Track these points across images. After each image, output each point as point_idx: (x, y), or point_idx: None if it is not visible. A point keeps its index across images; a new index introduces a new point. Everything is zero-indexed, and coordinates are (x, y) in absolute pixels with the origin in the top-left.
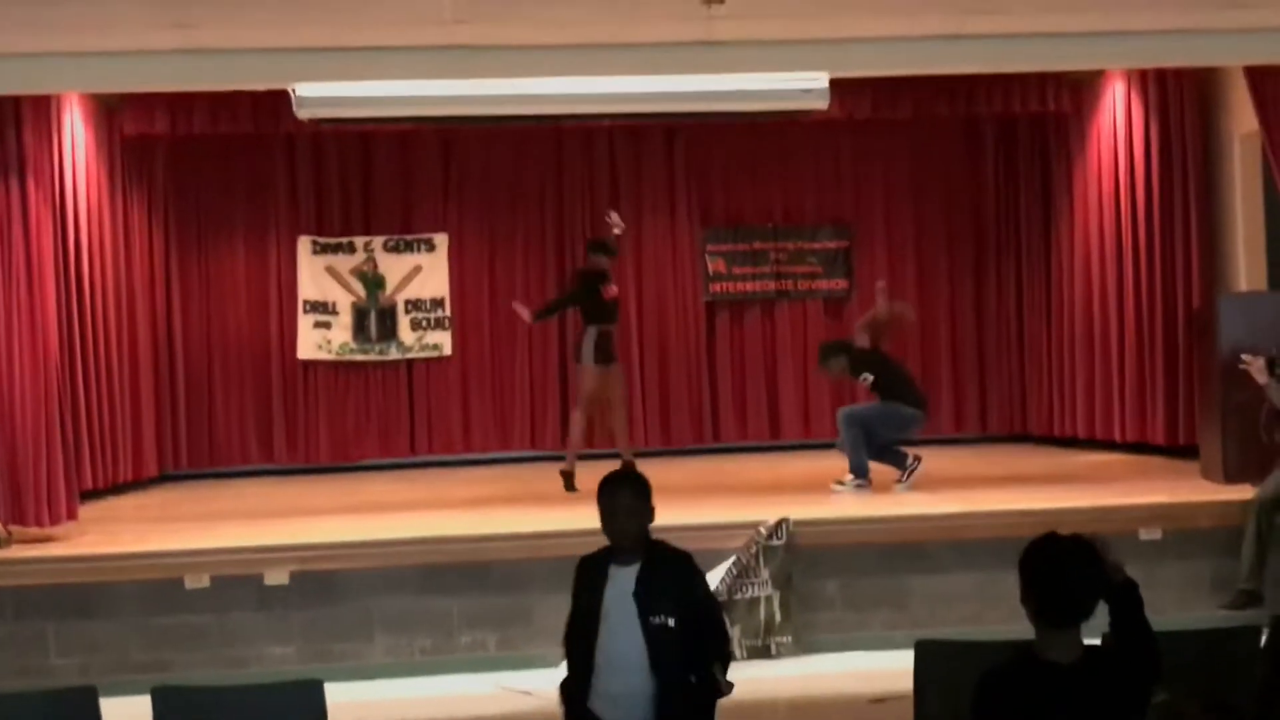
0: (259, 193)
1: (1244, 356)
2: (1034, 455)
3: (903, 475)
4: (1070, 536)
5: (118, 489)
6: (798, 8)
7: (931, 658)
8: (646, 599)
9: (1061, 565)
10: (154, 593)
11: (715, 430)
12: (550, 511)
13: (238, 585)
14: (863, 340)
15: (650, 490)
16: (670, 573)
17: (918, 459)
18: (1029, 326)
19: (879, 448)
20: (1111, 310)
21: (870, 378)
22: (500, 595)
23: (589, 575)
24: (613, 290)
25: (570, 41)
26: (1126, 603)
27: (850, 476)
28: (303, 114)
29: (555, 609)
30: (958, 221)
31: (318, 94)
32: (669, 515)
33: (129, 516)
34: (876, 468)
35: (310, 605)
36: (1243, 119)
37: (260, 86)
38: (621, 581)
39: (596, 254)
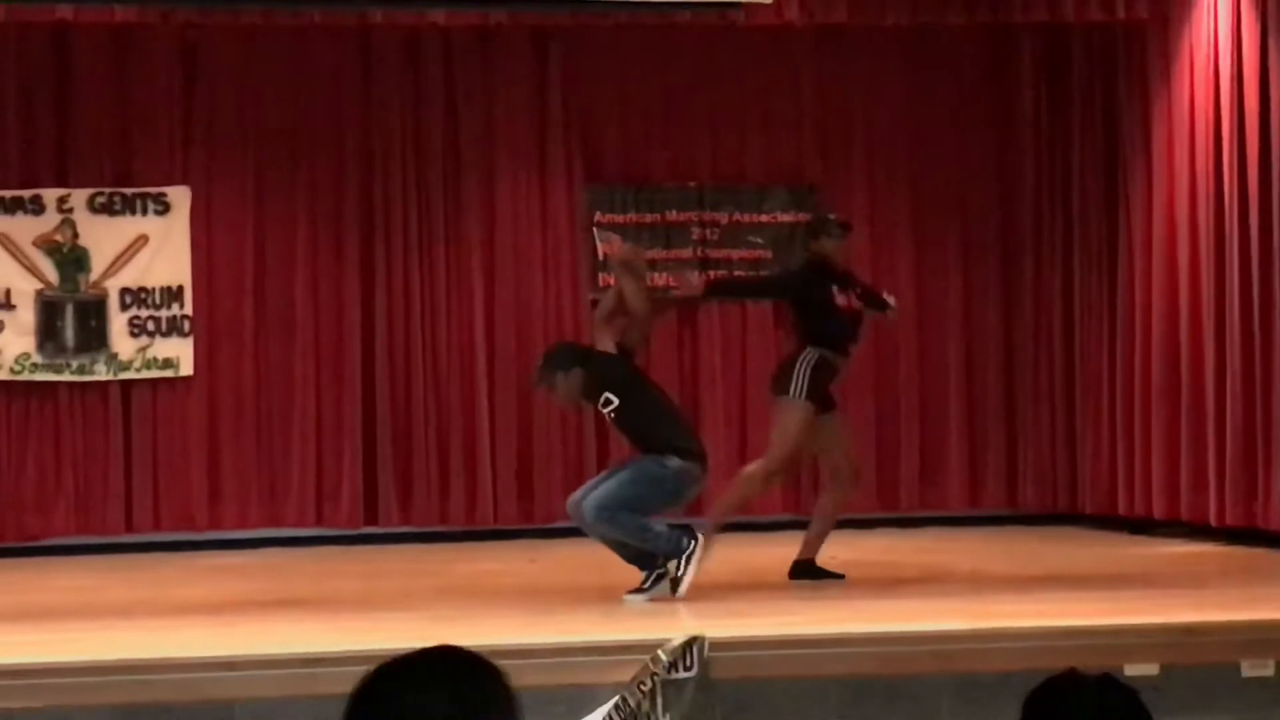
0: None
1: None
2: (1085, 544)
3: (645, 580)
4: (1099, 679)
5: None
6: None
7: None
8: None
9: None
10: None
11: None
12: (334, 620)
13: None
14: (606, 342)
15: None
16: None
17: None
18: (1083, 351)
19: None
20: (1208, 328)
21: (615, 402)
22: None
23: None
24: (845, 298)
25: None
26: None
27: (645, 575)
28: None
29: None
30: (977, 188)
31: None
32: (522, 632)
33: None
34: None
35: None
36: None
37: None
38: None
39: (818, 239)
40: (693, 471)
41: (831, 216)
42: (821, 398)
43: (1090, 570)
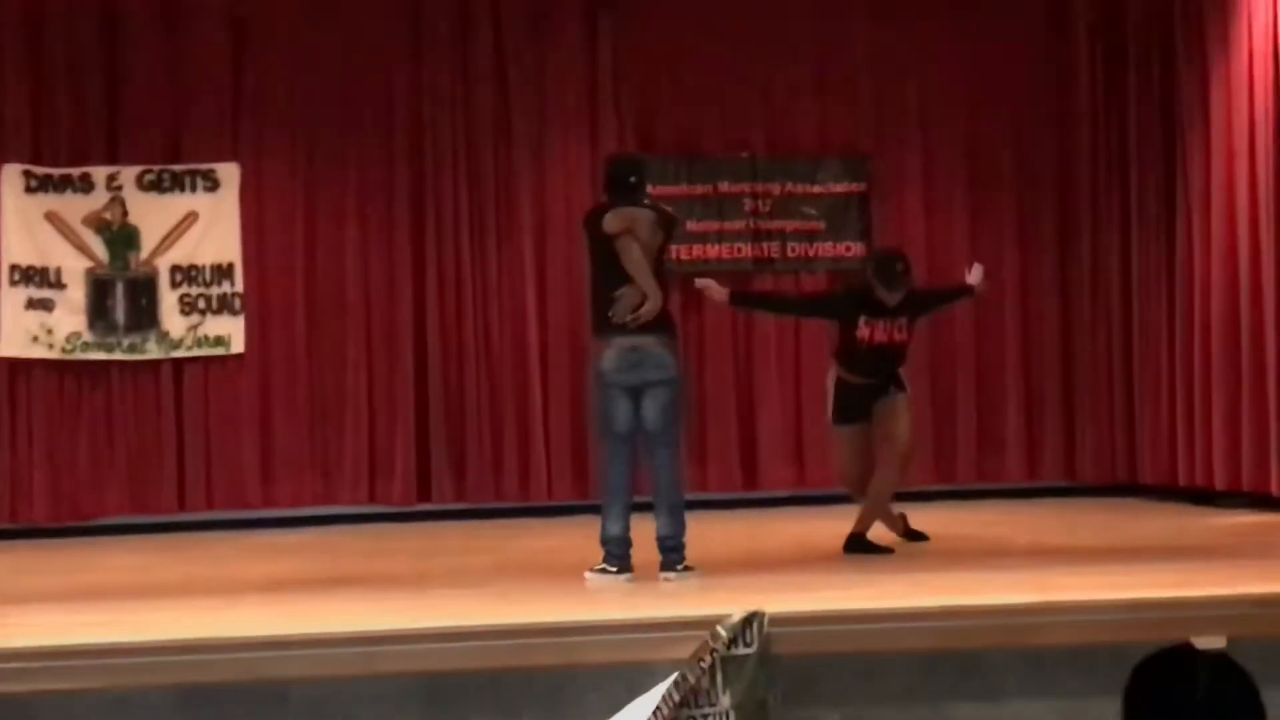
0: None
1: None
2: (1145, 516)
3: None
4: (1214, 656)
5: None
6: None
7: None
8: None
9: (1193, 699)
10: None
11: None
12: (388, 600)
13: None
14: (617, 223)
15: None
16: None
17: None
18: (1142, 321)
19: None
20: (1269, 298)
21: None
22: None
23: None
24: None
25: None
26: None
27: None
28: None
29: None
30: (1033, 157)
31: None
32: (580, 609)
33: None
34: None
35: None
36: None
37: None
38: None
39: (878, 276)
40: (601, 356)
41: (899, 266)
42: (846, 413)
43: (1152, 542)
